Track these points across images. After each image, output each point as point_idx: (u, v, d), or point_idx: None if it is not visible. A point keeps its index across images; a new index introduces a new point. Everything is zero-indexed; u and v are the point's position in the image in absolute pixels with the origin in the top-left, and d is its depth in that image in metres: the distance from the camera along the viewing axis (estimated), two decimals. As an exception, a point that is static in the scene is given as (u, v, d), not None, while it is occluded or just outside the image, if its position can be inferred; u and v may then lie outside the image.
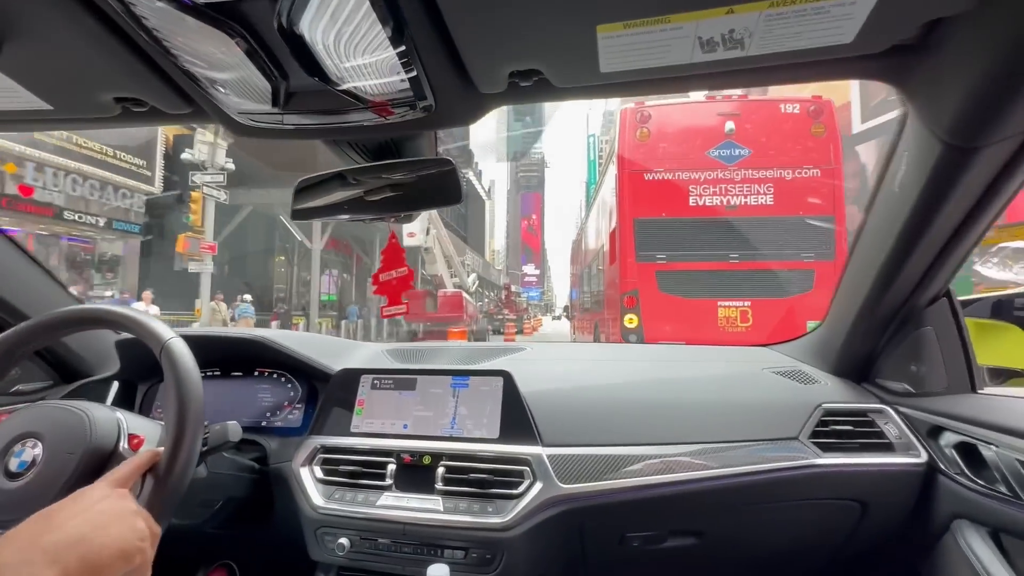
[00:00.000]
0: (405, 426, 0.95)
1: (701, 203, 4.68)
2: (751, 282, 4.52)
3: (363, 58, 0.50)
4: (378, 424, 0.96)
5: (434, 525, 0.82)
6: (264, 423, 1.04)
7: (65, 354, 1.07)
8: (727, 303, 4.54)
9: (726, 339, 4.43)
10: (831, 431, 0.88)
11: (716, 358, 1.15)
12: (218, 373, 1.09)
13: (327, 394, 1.02)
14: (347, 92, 0.55)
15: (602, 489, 0.83)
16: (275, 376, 1.09)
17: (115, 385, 1.08)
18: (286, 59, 0.50)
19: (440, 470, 0.86)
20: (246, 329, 1.07)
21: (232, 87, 0.55)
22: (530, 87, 0.57)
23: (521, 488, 0.83)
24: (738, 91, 4.65)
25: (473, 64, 0.54)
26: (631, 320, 4.71)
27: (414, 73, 0.53)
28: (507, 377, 0.94)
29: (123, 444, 0.67)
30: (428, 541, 0.83)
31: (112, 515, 0.50)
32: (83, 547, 0.45)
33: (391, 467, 0.89)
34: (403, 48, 0.49)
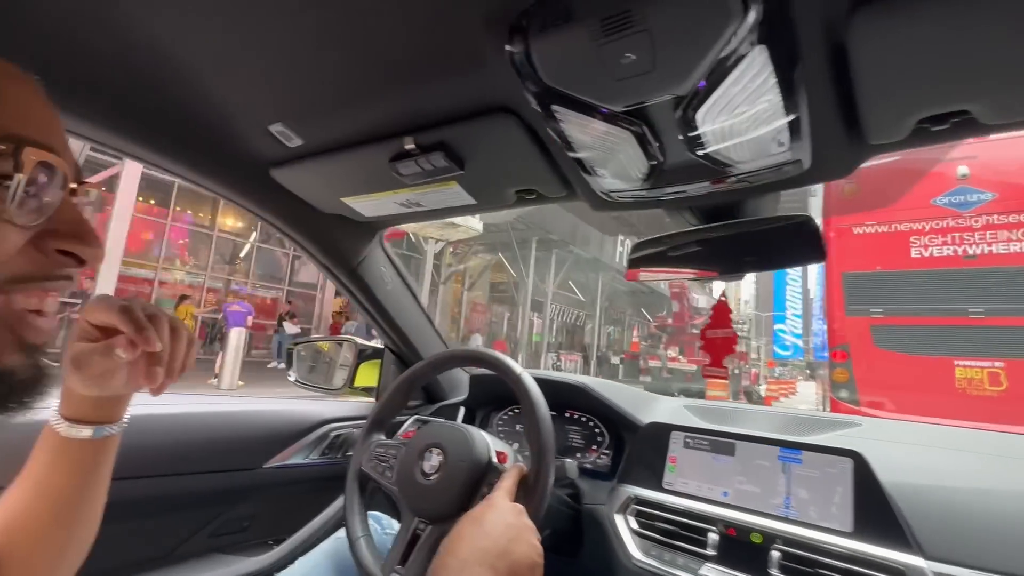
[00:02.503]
0: (725, 494, 0.89)
1: (926, 254, 4.42)
2: (1002, 339, 3.94)
3: (749, 129, 0.52)
4: (693, 486, 0.93)
5: None
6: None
7: (433, 382, 1.39)
8: (967, 362, 4.06)
9: (968, 402, 3.99)
10: None
11: None
12: None
13: (636, 445, 1.04)
14: (720, 161, 0.58)
15: None
16: (583, 419, 1.18)
17: (462, 409, 1.34)
18: (672, 142, 0.56)
19: (775, 554, 0.77)
20: (570, 375, 1.20)
21: (611, 169, 0.64)
22: (944, 130, 0.49)
23: None
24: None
25: (871, 115, 0.49)
26: (841, 375, 4.61)
27: (797, 136, 0.52)
28: (858, 459, 0.79)
29: (493, 458, 0.81)
30: None
31: (522, 530, 0.60)
32: (509, 558, 0.55)
33: (712, 536, 0.84)
34: (791, 107, 0.49)
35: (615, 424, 1.12)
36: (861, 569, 0.71)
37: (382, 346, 1.41)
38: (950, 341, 4.13)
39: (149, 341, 0.49)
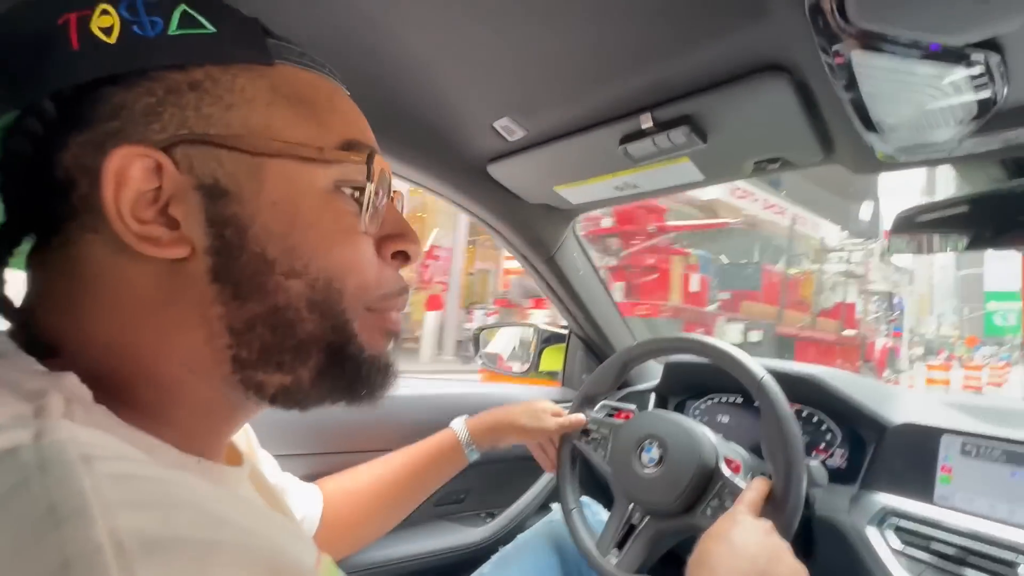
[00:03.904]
0: (1041, 518, 0.71)
1: None
2: None
3: None
4: (984, 504, 0.75)
5: None
6: None
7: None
8: None
9: None
10: None
11: None
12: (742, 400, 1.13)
13: (887, 448, 0.88)
14: None
15: None
16: (805, 414, 1.04)
17: (653, 396, 1.29)
18: None
19: None
20: (800, 365, 1.07)
21: (913, 121, 0.52)
22: None
23: None
24: None
25: None
26: None
27: None
28: None
29: (722, 465, 0.75)
30: None
31: (776, 550, 0.54)
32: None
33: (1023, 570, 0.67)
34: None
35: (851, 421, 0.97)
36: None
37: (564, 331, 1.42)
38: None
39: None
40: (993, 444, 0.78)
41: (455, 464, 0.79)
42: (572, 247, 1.11)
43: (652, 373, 1.33)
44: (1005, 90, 0.45)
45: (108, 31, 0.27)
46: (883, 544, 0.81)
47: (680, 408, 1.27)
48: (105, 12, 0.27)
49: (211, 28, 0.30)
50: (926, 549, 0.76)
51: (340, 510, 0.69)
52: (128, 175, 0.27)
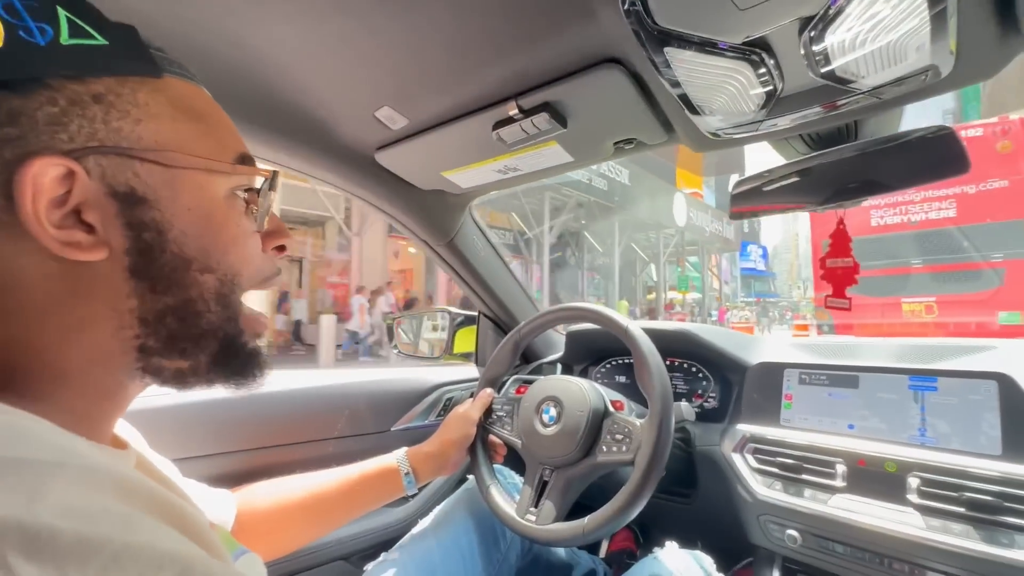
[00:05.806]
0: (851, 427, 0.88)
1: (882, 223, 6.03)
2: (935, 281, 5.73)
3: (883, 39, 0.48)
4: (814, 420, 0.92)
5: (914, 541, 0.73)
6: None
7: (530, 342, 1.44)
8: (911, 299, 5.84)
9: (910, 327, 5.79)
10: None
11: None
12: None
13: (747, 386, 1.04)
14: (845, 79, 0.55)
15: None
16: (686, 365, 1.18)
17: (559, 366, 1.39)
18: (792, 66, 0.54)
19: (913, 481, 0.76)
20: (673, 322, 1.21)
21: (722, 106, 0.62)
22: None
23: None
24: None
25: None
26: (822, 314, 6.94)
27: (939, 38, 0.48)
28: (1006, 382, 0.75)
29: (609, 407, 0.85)
30: (903, 557, 0.75)
31: None
32: None
33: (840, 467, 0.84)
34: (936, 5, 0.45)
35: (720, 367, 1.12)
36: (1015, 491, 0.68)
37: (475, 313, 1.47)
38: (899, 286, 5.85)
39: None
40: (819, 372, 0.95)
41: (391, 492, 0.82)
42: (471, 230, 1.17)
43: (559, 345, 1.43)
44: (781, 84, 0.56)
45: None
46: (744, 465, 0.96)
47: (584, 373, 1.39)
48: None
49: (101, 39, 0.31)
50: (774, 464, 0.91)
51: (263, 515, 0.69)
52: (42, 182, 0.28)
